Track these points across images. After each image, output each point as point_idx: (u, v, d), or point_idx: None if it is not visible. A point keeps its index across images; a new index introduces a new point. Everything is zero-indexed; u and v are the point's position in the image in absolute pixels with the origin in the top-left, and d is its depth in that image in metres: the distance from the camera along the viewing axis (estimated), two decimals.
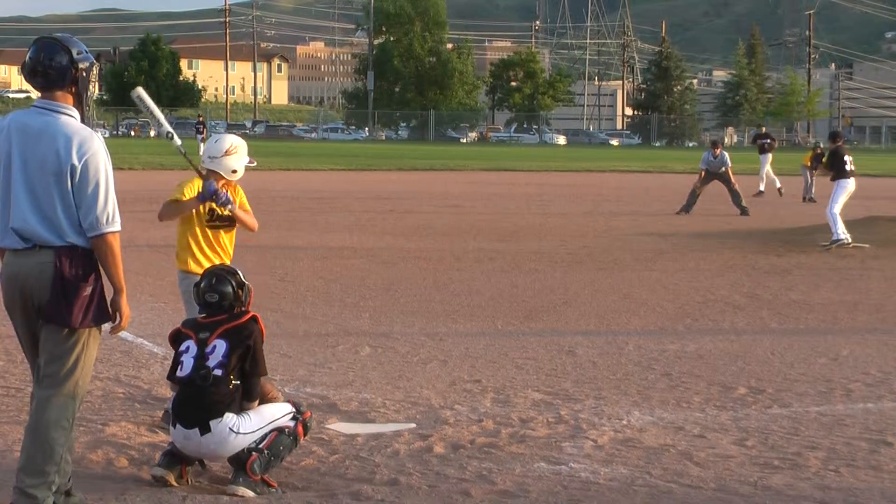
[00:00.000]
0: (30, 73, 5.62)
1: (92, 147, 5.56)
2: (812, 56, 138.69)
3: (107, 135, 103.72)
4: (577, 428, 7.69)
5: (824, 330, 12.05)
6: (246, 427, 6.30)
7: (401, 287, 14.55)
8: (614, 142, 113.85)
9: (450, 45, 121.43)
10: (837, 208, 19.53)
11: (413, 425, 7.68)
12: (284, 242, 18.94)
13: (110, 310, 5.67)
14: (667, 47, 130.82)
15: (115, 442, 7.14)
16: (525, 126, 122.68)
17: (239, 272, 6.62)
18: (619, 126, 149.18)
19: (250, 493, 6.21)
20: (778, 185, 34.41)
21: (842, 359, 10.34)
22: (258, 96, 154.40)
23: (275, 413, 6.48)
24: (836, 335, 11.64)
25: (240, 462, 6.28)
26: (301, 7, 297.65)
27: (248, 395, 6.38)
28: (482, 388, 8.89)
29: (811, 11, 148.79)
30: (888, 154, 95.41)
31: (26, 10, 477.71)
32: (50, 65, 5.55)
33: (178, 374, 6.41)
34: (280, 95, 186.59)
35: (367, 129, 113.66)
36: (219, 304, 6.49)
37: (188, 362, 6.36)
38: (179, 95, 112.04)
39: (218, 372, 6.29)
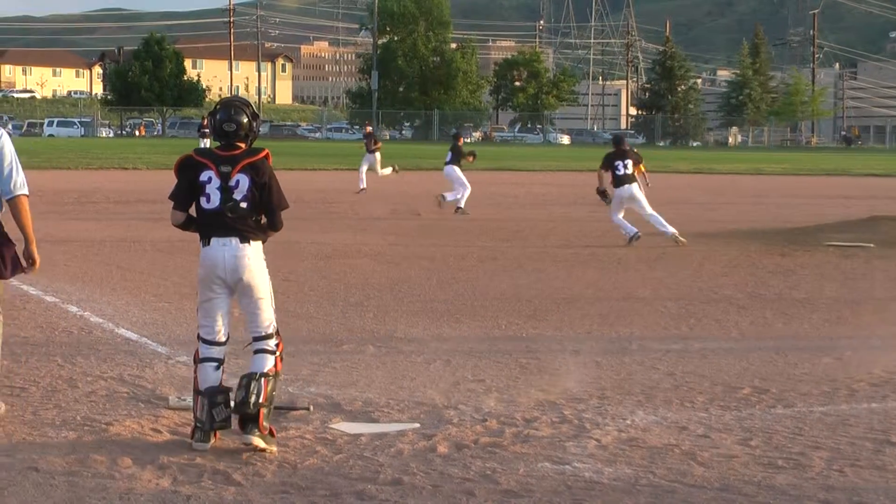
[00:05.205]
0: None
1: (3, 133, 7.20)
2: (816, 55, 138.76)
3: (111, 134, 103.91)
4: (580, 427, 7.68)
5: (828, 330, 12.04)
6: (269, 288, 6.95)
7: (404, 287, 14.55)
8: None
9: (454, 45, 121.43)
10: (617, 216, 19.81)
11: (417, 425, 7.68)
12: (288, 242, 18.93)
13: (24, 260, 7.23)
14: (671, 47, 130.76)
15: (119, 441, 7.14)
16: (529, 126, 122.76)
17: (251, 104, 6.99)
18: (623, 126, 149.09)
19: (262, 444, 6.68)
20: (363, 185, 33.34)
21: (846, 358, 10.33)
22: (262, 96, 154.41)
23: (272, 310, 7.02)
24: (840, 335, 11.63)
25: (251, 418, 6.69)
26: (305, 7, 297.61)
27: (273, 226, 6.92)
28: (486, 388, 8.89)
29: (815, 11, 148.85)
30: (892, 154, 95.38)
31: (30, 10, 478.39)
32: None
33: (205, 205, 6.76)
34: (284, 95, 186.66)
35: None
36: (235, 132, 6.79)
37: (214, 194, 6.72)
38: (183, 95, 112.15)
39: (244, 205, 6.72)
